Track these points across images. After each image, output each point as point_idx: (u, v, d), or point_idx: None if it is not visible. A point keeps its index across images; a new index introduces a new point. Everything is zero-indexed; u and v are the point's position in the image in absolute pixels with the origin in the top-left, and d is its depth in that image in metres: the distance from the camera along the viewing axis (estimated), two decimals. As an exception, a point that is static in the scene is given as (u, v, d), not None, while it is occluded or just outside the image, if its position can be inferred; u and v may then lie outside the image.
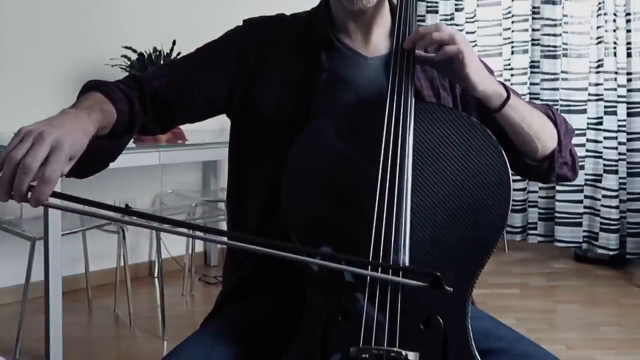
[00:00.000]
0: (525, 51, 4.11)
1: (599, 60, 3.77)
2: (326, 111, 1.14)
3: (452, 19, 4.36)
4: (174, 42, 3.18)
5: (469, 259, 1.01)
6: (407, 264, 0.98)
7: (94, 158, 1.06)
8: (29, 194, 0.88)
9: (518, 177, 4.46)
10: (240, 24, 1.31)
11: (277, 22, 1.28)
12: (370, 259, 0.98)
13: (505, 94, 1.10)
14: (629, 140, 3.65)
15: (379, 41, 1.24)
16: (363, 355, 0.93)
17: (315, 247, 1.03)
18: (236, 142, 1.27)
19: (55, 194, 0.90)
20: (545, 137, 1.16)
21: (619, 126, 3.68)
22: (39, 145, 0.87)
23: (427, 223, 1.01)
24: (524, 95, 4.09)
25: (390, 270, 0.98)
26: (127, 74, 3.31)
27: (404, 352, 0.93)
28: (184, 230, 0.98)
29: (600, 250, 3.71)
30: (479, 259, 1.01)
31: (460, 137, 1.05)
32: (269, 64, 1.23)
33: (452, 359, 0.96)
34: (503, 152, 1.05)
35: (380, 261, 0.98)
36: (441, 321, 0.98)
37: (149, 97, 1.17)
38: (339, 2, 1.20)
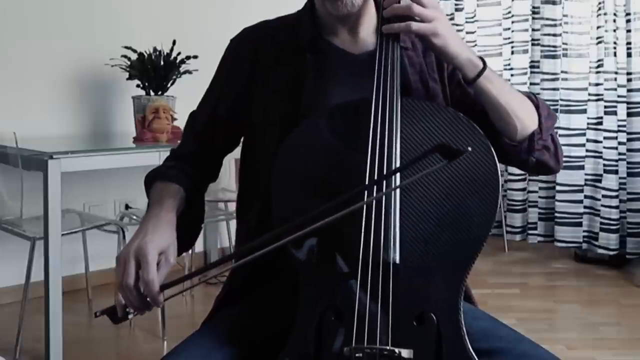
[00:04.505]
0: (525, 51, 4.11)
1: (599, 60, 3.77)
2: (315, 111, 1.14)
3: (452, 19, 4.35)
4: (174, 42, 3.17)
5: (460, 254, 1.01)
6: (397, 261, 0.98)
7: (188, 229, 1.22)
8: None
9: (518, 178, 4.45)
10: (239, 24, 1.33)
11: (263, 30, 1.29)
12: (361, 257, 0.98)
13: (481, 65, 1.11)
14: (629, 140, 3.65)
15: (367, 37, 1.24)
16: (357, 355, 0.94)
17: (305, 242, 1.03)
18: (242, 148, 1.32)
19: (164, 287, 1.03)
20: (523, 116, 1.15)
21: (619, 126, 3.68)
22: (128, 263, 1.03)
23: (416, 219, 1.01)
24: (524, 95, 4.09)
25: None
26: (127, 74, 3.32)
27: (397, 350, 0.93)
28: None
29: (600, 250, 3.71)
30: (470, 254, 1.01)
31: (448, 134, 1.05)
32: (259, 71, 1.24)
33: (447, 354, 0.97)
34: (491, 146, 1.05)
35: (371, 255, 0.98)
36: (434, 317, 0.98)
37: (190, 157, 1.30)
38: (324, 6, 1.20)
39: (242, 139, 1.33)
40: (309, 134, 1.11)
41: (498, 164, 1.04)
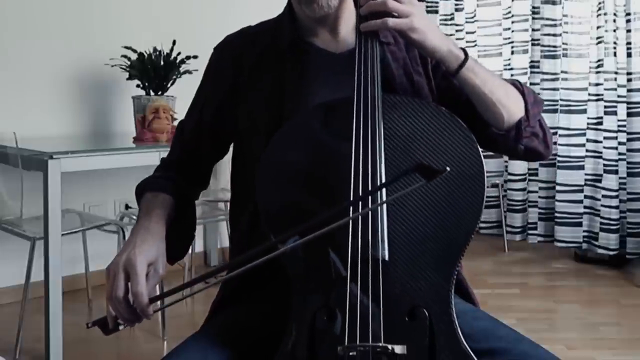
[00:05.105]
0: (525, 51, 4.11)
1: (599, 60, 3.77)
2: (298, 113, 1.15)
3: (452, 19, 4.36)
4: (174, 42, 3.18)
5: (449, 247, 1.02)
6: (386, 257, 0.99)
7: (179, 238, 1.22)
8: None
9: (518, 178, 4.44)
10: (239, 24, 1.34)
11: (245, 36, 1.30)
12: (350, 256, 0.98)
13: (462, 57, 1.11)
14: (629, 140, 3.65)
15: (347, 36, 1.24)
16: (350, 353, 0.94)
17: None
18: (232, 154, 1.33)
19: (153, 299, 1.03)
20: (510, 104, 1.15)
21: (619, 126, 3.68)
22: (117, 275, 1.04)
23: (404, 215, 1.01)
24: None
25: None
26: (127, 74, 3.32)
27: (389, 347, 0.94)
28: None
29: (600, 250, 3.71)
30: (459, 247, 1.02)
31: (431, 129, 1.06)
32: (242, 78, 1.25)
33: (440, 349, 0.97)
34: (474, 139, 1.05)
35: (361, 253, 0.98)
36: (426, 312, 0.98)
37: (177, 166, 1.31)
38: (301, 9, 1.21)
39: (231, 146, 1.33)
40: (292, 135, 1.11)
41: (483, 157, 1.05)
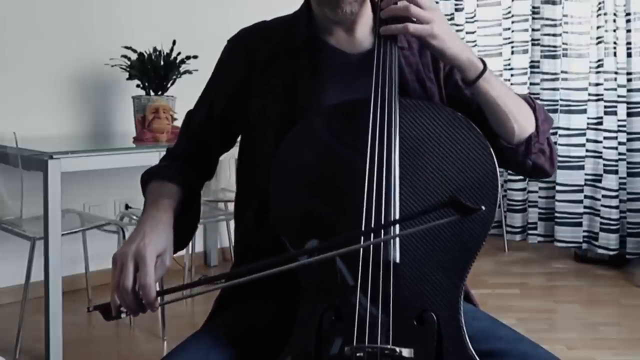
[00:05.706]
0: (525, 51, 4.11)
1: (599, 60, 3.77)
2: (311, 111, 1.15)
3: (452, 19, 4.36)
4: (174, 42, 3.18)
5: (460, 253, 1.01)
6: (397, 260, 0.99)
7: (184, 229, 1.20)
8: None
9: (518, 178, 4.43)
10: (239, 24, 1.34)
11: (259, 31, 1.30)
12: (361, 257, 0.98)
13: (481, 67, 1.11)
14: (629, 140, 3.65)
15: (363, 37, 1.24)
16: (357, 354, 0.94)
17: (305, 242, 1.03)
18: (239, 149, 1.32)
19: (160, 293, 1.03)
20: (521, 119, 1.15)
21: (619, 126, 3.68)
22: (126, 265, 1.02)
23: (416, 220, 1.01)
24: (524, 95, 4.09)
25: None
26: (127, 74, 3.32)
27: (397, 349, 0.94)
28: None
29: (600, 250, 3.71)
30: (470, 253, 1.02)
31: (446, 133, 1.06)
32: (255, 73, 1.24)
33: (447, 354, 0.97)
34: (489, 145, 1.05)
35: (372, 255, 0.98)
36: (434, 316, 0.98)
37: (183, 158, 1.30)
38: (322, 10, 1.20)
39: (238, 140, 1.33)
40: (307, 133, 1.11)
41: (496, 163, 1.05)
